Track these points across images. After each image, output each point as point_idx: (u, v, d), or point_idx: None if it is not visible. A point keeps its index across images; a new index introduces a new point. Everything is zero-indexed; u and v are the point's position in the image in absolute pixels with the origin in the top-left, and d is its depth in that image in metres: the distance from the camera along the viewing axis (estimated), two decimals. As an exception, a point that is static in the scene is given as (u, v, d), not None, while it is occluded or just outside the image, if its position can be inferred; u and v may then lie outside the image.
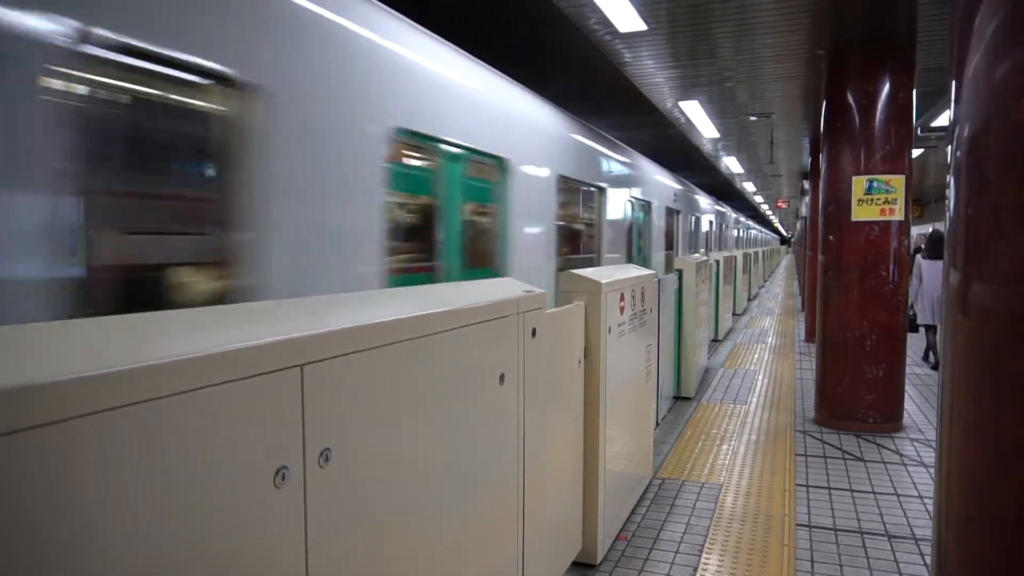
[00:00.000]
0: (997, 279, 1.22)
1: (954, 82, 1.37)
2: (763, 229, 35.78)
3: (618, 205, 6.84)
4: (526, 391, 2.25)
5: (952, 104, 1.38)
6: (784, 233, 62.67)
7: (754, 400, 6.65)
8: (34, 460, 0.78)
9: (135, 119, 2.00)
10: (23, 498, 0.76)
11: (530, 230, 4.55)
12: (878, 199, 5.51)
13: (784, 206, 26.46)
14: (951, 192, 1.38)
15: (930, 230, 10.73)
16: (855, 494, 4.19)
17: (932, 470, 4.70)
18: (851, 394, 5.65)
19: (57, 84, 1.64)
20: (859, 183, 5.57)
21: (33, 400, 0.77)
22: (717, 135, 10.71)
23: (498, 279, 2.54)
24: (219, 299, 2.13)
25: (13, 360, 0.83)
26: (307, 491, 1.21)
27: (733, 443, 5.22)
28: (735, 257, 13.06)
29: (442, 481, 1.72)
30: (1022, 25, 1.16)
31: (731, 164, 15.02)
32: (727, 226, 19.01)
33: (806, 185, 15.25)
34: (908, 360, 6.06)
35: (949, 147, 1.39)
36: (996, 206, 1.22)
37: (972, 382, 1.29)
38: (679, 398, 6.67)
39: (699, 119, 9.31)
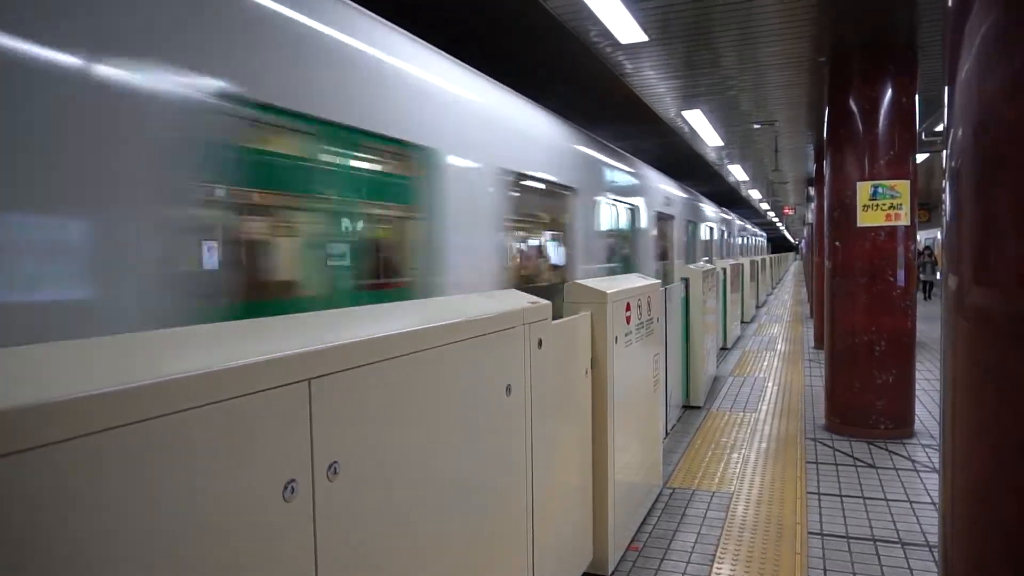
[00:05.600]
0: (994, 282, 1.23)
1: (947, 87, 1.38)
2: (758, 231, 28.24)
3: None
4: (533, 402, 2.26)
5: (946, 109, 1.40)
6: (791, 239, 62.17)
7: (764, 408, 6.62)
8: (48, 476, 0.79)
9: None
10: (37, 513, 0.78)
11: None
12: (883, 204, 5.51)
13: (791, 213, 26.40)
14: (947, 196, 1.39)
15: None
16: (867, 501, 4.16)
17: (945, 475, 4.67)
18: (861, 400, 5.62)
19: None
20: (864, 188, 5.57)
21: (46, 417, 0.79)
22: (721, 143, 10.73)
23: (503, 291, 2.55)
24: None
25: (29, 378, 0.85)
26: (316, 504, 1.23)
27: (743, 451, 5.20)
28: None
29: (450, 493, 1.73)
30: (1012, 29, 1.18)
31: (736, 172, 15.02)
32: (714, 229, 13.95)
33: (811, 191, 15.24)
34: (918, 365, 6.02)
35: (945, 152, 1.40)
36: (991, 210, 1.23)
37: (972, 385, 1.29)
38: (688, 407, 6.65)
39: (702, 128, 9.34)
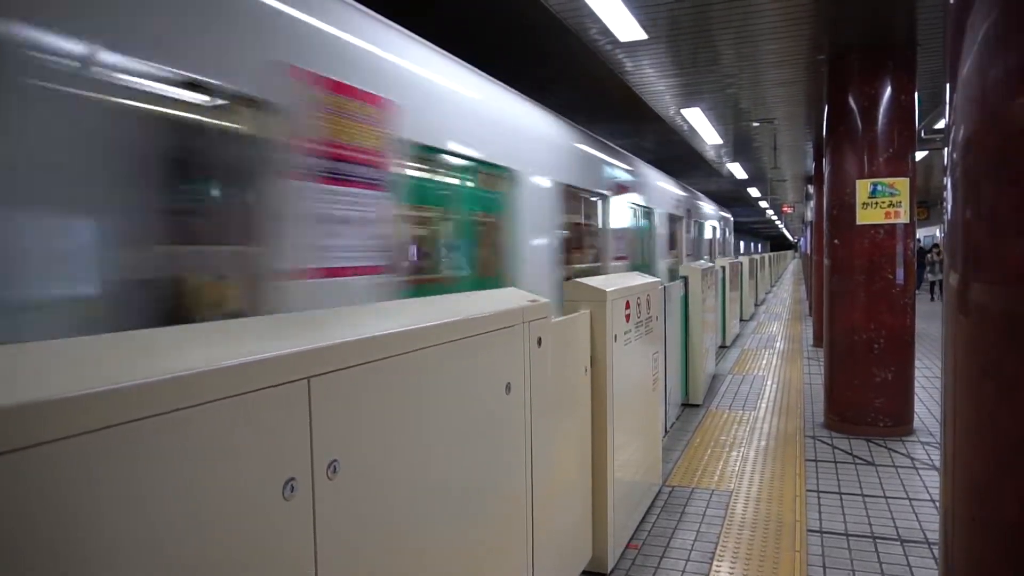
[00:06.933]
0: (994, 280, 1.22)
1: (948, 84, 1.38)
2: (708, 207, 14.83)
3: None
4: (533, 400, 2.26)
5: (947, 106, 1.40)
6: (790, 237, 61.93)
7: (763, 406, 6.63)
8: (47, 474, 0.79)
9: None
10: (35, 512, 0.78)
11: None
12: (882, 202, 5.51)
13: (789, 211, 26.43)
14: (948, 194, 1.39)
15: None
16: (866, 499, 4.17)
17: (944, 473, 4.68)
18: (860, 398, 5.62)
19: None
20: (863, 187, 5.57)
21: (46, 415, 0.79)
22: (720, 141, 10.72)
23: (503, 289, 2.55)
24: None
25: (29, 376, 0.84)
26: (315, 503, 1.23)
27: (743, 449, 5.20)
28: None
29: (450, 491, 1.73)
30: (1013, 27, 1.17)
31: (735, 170, 15.02)
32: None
33: (811, 189, 15.24)
34: (917, 362, 6.03)
35: (946, 149, 1.40)
36: (992, 208, 1.23)
37: (972, 383, 1.29)
38: (687, 405, 6.66)
39: (701, 126, 9.33)
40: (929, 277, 19.04)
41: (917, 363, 6.00)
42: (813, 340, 10.80)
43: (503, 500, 2.06)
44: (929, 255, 18.92)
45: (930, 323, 12.01)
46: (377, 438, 1.42)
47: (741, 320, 13.37)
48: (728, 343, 10.72)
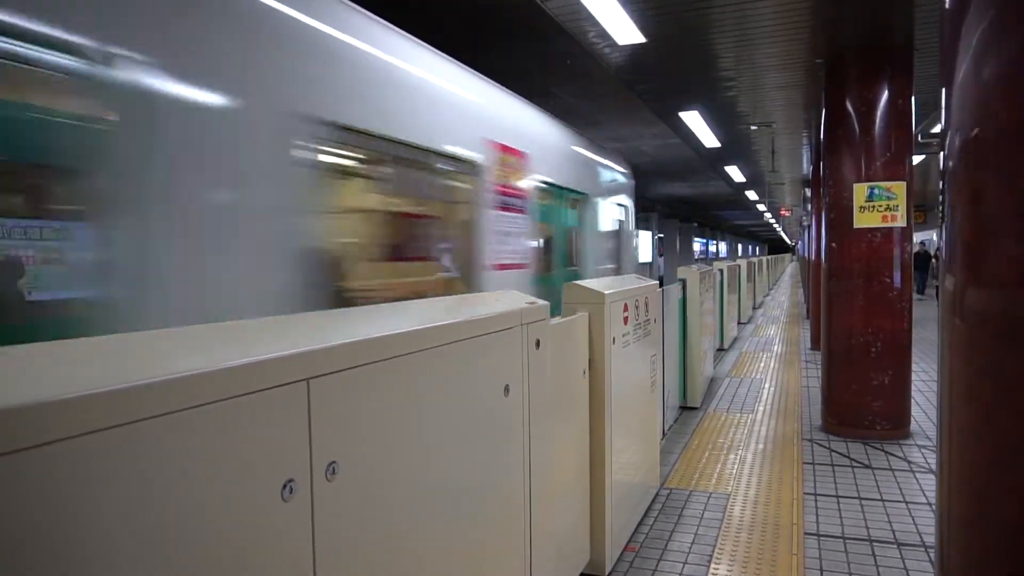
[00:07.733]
0: (992, 283, 1.23)
1: (944, 87, 1.39)
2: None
3: None
4: (531, 402, 2.26)
5: (943, 110, 1.40)
6: (788, 240, 61.83)
7: (761, 409, 6.63)
8: (48, 475, 0.79)
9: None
10: (34, 513, 0.78)
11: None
12: (880, 206, 5.52)
13: (787, 214, 26.47)
14: (945, 198, 1.40)
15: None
16: (864, 502, 4.17)
17: (941, 476, 4.68)
18: (858, 401, 5.63)
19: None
20: (860, 190, 5.58)
21: (42, 417, 0.79)
22: (718, 144, 10.75)
23: (501, 291, 2.55)
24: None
25: (25, 377, 0.85)
26: (314, 504, 1.23)
27: (740, 452, 5.21)
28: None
29: (448, 493, 1.73)
30: (1009, 30, 1.18)
31: (733, 173, 15.05)
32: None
33: (808, 193, 15.28)
34: (913, 366, 6.04)
35: (942, 153, 1.40)
36: (987, 211, 1.24)
37: (970, 385, 1.30)
38: (685, 408, 6.66)
39: (699, 129, 9.35)
40: (936, 282, 18.90)
41: (914, 366, 6.01)
42: (811, 343, 10.81)
43: (501, 502, 2.07)
44: (935, 260, 18.82)
45: (933, 327, 12.03)
46: (376, 440, 1.42)
47: (739, 323, 13.38)
48: (726, 346, 10.73)
